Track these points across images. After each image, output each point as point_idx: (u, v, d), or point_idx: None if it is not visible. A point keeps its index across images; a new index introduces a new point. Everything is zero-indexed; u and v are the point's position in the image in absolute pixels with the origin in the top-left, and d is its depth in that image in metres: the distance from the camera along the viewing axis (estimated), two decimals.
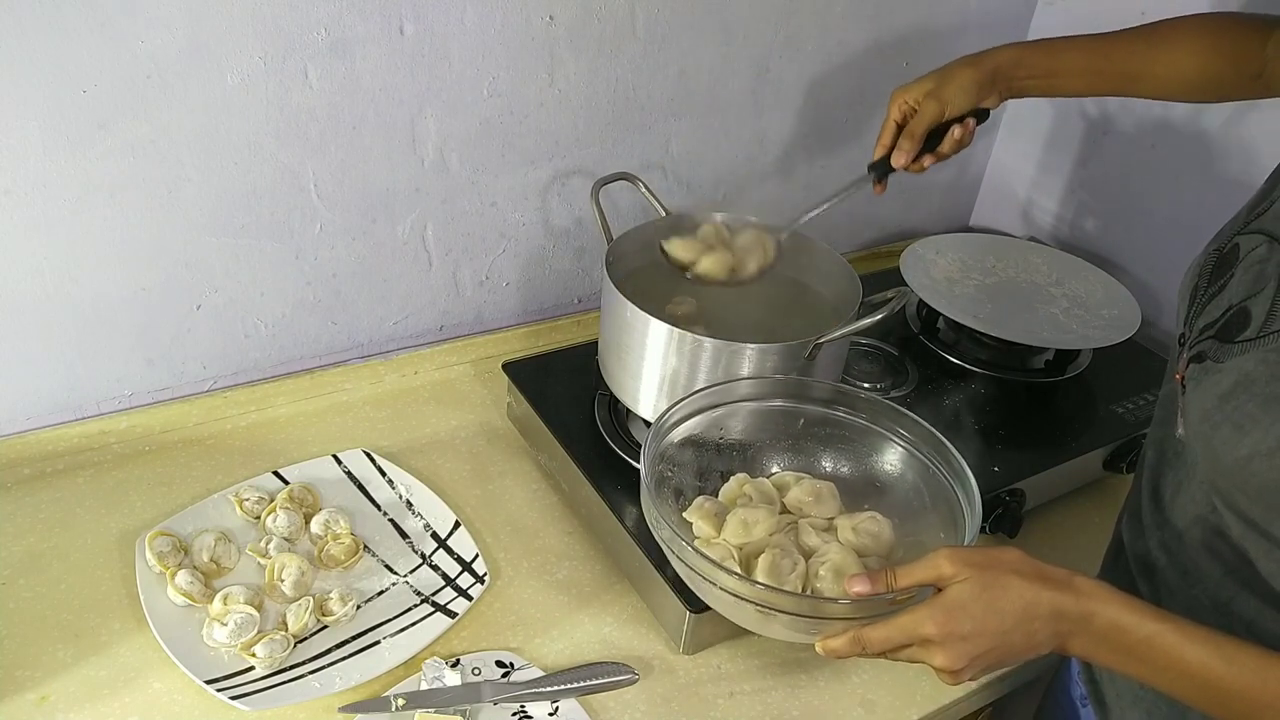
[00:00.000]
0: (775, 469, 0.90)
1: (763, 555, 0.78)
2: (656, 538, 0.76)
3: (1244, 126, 1.21)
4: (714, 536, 0.81)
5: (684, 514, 0.83)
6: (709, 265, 0.99)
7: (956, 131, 0.95)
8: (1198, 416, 0.66)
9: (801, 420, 0.89)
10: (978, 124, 0.97)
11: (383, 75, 1.00)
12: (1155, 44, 0.92)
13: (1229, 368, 0.64)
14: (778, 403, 0.89)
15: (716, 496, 0.86)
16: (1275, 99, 0.88)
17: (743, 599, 0.70)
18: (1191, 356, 0.69)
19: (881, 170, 0.97)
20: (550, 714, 0.81)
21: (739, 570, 0.75)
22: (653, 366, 0.93)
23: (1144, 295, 1.28)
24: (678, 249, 1.00)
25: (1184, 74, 0.91)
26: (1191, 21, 0.91)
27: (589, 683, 0.83)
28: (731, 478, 0.87)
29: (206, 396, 1.07)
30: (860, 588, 0.66)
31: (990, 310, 1.22)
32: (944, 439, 0.82)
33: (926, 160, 0.96)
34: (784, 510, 0.85)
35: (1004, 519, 0.99)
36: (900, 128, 0.96)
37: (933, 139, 0.95)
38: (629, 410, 1.00)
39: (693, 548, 0.72)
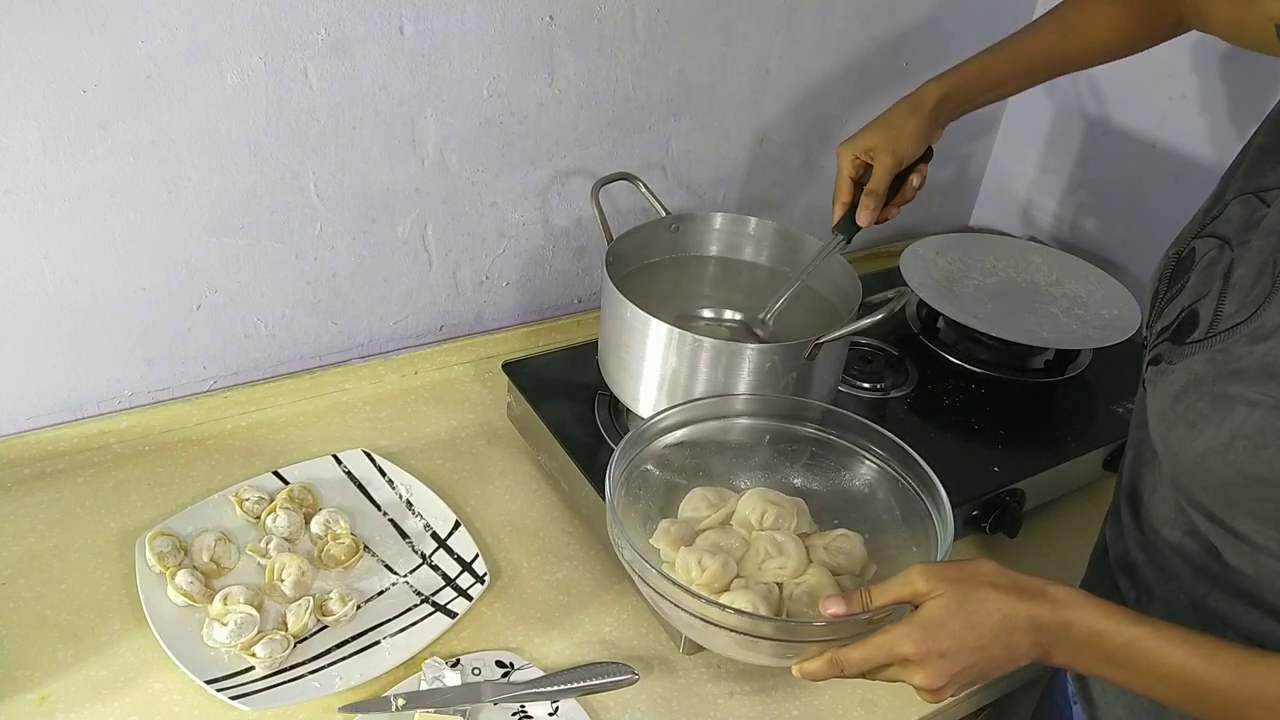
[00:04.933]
0: (744, 485, 0.88)
1: (735, 580, 0.76)
2: (622, 562, 0.74)
3: (1244, 126, 1.21)
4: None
5: (650, 540, 0.82)
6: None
7: (915, 180, 0.97)
8: (1156, 417, 0.67)
9: (768, 436, 0.88)
10: (927, 164, 0.99)
11: (383, 75, 1.00)
12: (1070, 27, 0.94)
13: (1180, 369, 0.65)
14: (743, 420, 0.88)
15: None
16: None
17: (714, 625, 0.69)
18: (1149, 359, 0.70)
19: (848, 230, 0.97)
20: (550, 714, 0.81)
21: (710, 597, 0.73)
22: (653, 366, 0.93)
23: (1144, 295, 1.27)
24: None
25: (1104, 45, 0.94)
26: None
27: (589, 683, 0.83)
28: (691, 492, 0.85)
29: (206, 396, 1.07)
30: (835, 609, 0.65)
31: (990, 310, 1.22)
32: (912, 451, 0.81)
33: (891, 212, 0.98)
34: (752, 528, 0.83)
35: (1004, 519, 0.99)
36: (855, 183, 0.96)
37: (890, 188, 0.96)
38: (629, 410, 1.00)
39: (658, 571, 0.70)
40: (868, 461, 0.85)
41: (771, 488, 0.86)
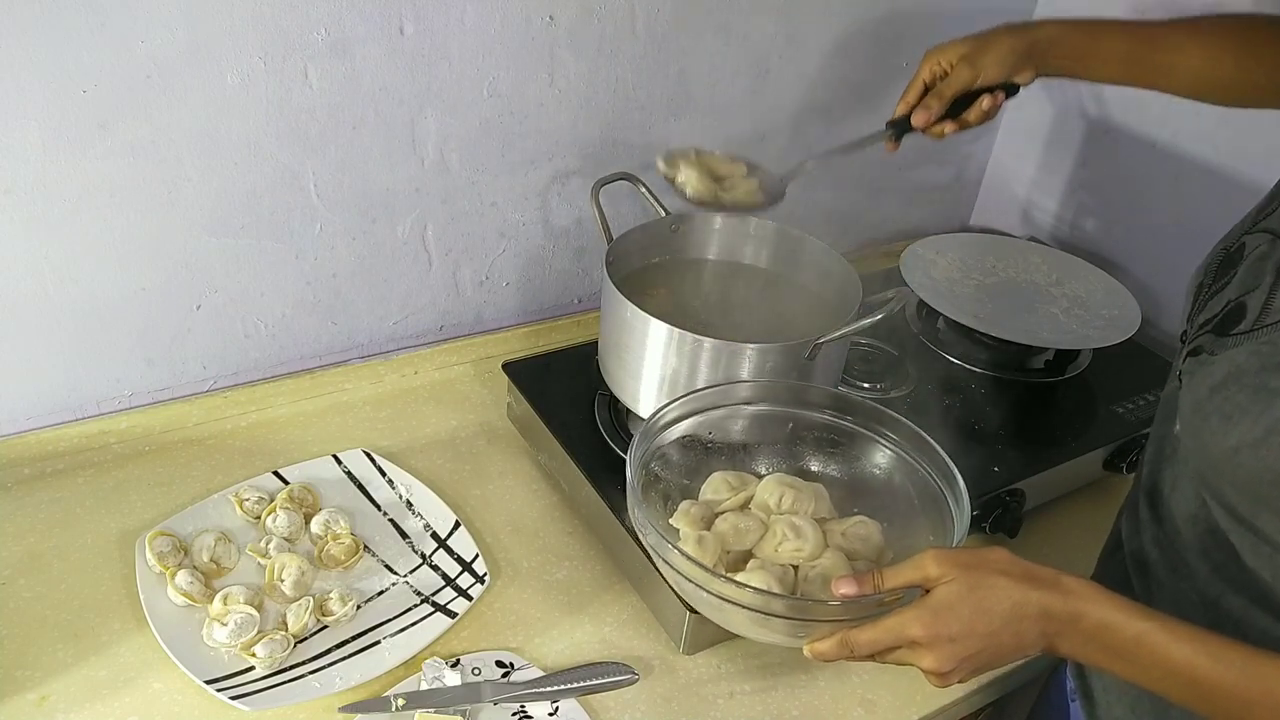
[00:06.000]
0: (764, 471, 0.89)
1: (751, 560, 0.77)
2: (644, 543, 0.75)
3: (1243, 126, 1.21)
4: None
5: (670, 520, 0.83)
6: (690, 178, 0.96)
7: (985, 102, 0.92)
8: (1190, 408, 0.67)
9: (791, 424, 0.89)
10: (1007, 98, 0.94)
11: (383, 75, 1.00)
12: (1195, 38, 0.89)
13: (1221, 360, 0.64)
14: (765, 406, 0.88)
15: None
16: None
17: (730, 602, 0.70)
18: (1189, 351, 0.70)
19: (901, 128, 0.94)
20: (550, 714, 0.81)
21: (726, 574, 0.74)
22: (653, 366, 0.93)
23: (1144, 295, 1.28)
24: (663, 166, 0.98)
25: (1219, 73, 0.89)
26: (1235, 22, 0.90)
27: (589, 683, 0.83)
28: (712, 475, 0.86)
29: (206, 396, 1.07)
30: (847, 589, 0.66)
31: (990, 310, 1.22)
32: (932, 441, 0.81)
33: (948, 127, 0.94)
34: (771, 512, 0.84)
35: (1004, 519, 0.99)
36: (928, 88, 0.93)
37: (958, 105, 0.93)
38: (629, 410, 1.00)
39: (679, 550, 0.71)
40: (886, 449, 0.86)
41: (790, 473, 0.87)
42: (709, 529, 0.81)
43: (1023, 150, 1.51)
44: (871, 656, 0.67)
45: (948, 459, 0.80)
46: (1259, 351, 0.62)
